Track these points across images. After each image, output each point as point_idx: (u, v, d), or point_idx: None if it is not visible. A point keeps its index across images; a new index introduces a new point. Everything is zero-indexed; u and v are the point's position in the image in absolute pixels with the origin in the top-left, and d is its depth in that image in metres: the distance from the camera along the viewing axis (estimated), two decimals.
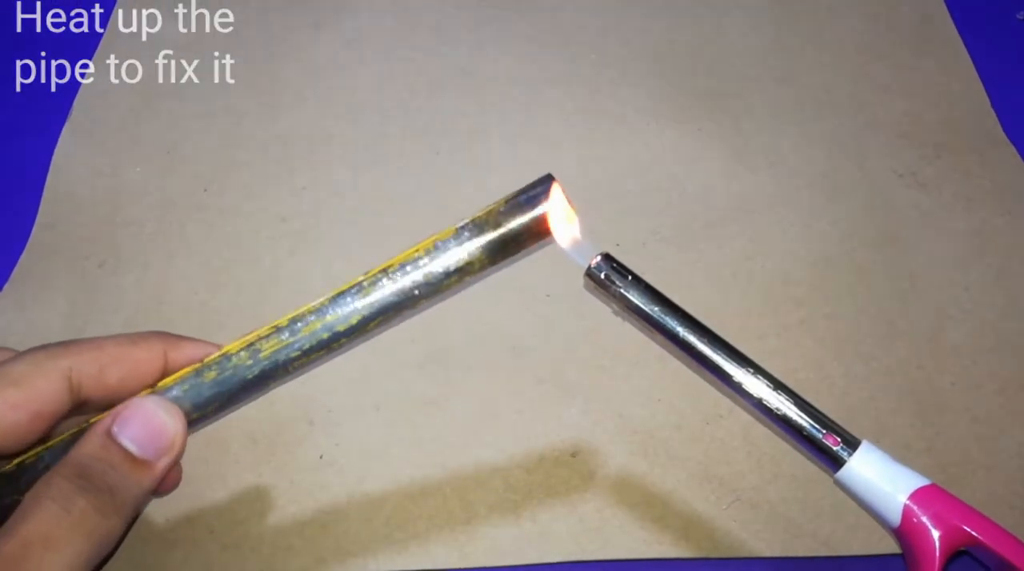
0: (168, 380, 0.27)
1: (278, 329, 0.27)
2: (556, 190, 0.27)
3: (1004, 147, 0.45)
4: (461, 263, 0.27)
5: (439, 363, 0.38)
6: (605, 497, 0.34)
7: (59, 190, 0.44)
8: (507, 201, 0.27)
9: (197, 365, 0.27)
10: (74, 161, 0.46)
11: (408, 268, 0.27)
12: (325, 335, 0.27)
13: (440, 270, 0.27)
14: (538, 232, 0.27)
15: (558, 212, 0.27)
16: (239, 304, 0.40)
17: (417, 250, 0.27)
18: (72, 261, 0.42)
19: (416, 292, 0.27)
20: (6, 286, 0.41)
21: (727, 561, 0.33)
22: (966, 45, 0.50)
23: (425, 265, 0.27)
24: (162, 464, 0.26)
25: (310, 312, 0.27)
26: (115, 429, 0.25)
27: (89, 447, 0.25)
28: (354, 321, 0.27)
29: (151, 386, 0.27)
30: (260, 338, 0.27)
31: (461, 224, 0.27)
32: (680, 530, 0.33)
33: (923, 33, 0.50)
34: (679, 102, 0.47)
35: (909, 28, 0.51)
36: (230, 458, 0.35)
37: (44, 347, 0.26)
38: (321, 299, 0.27)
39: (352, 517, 0.34)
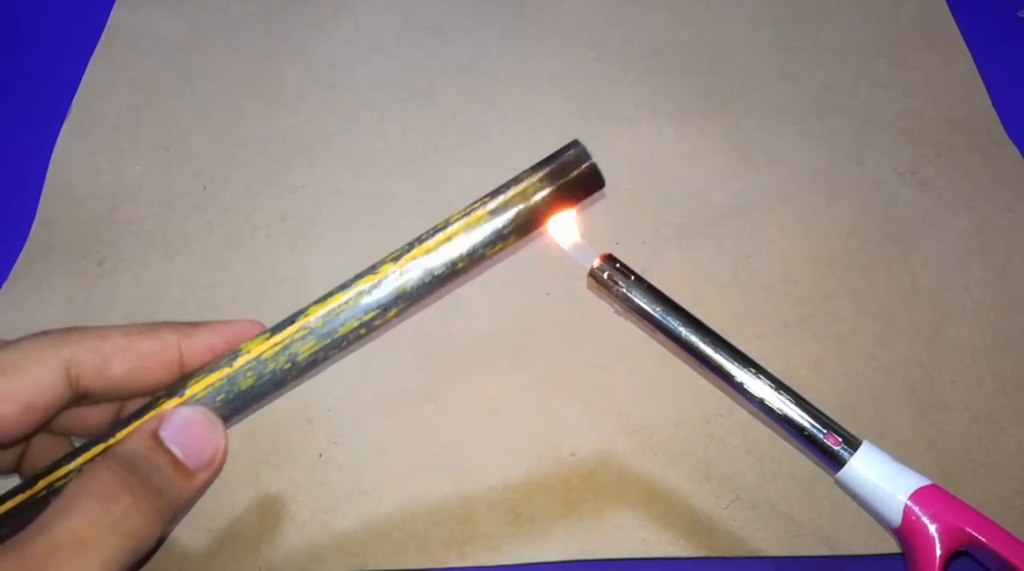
0: (200, 386, 0.26)
1: (311, 330, 0.26)
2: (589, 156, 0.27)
3: (1005, 146, 0.45)
4: (493, 237, 0.27)
5: (438, 362, 0.38)
6: (605, 497, 0.34)
7: (58, 188, 0.44)
8: (541, 169, 0.27)
9: (229, 371, 0.26)
10: (73, 159, 0.46)
11: (444, 245, 0.27)
12: (355, 324, 0.26)
13: (480, 241, 0.27)
14: (571, 200, 0.27)
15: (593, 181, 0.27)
16: (238, 303, 0.40)
17: (448, 228, 0.27)
18: (71, 259, 0.42)
19: (451, 268, 0.27)
20: (5, 284, 0.41)
21: (727, 560, 0.33)
22: (967, 43, 0.50)
23: (460, 242, 0.27)
24: (203, 476, 0.25)
25: (341, 307, 0.26)
26: (162, 432, 0.25)
27: (135, 445, 0.24)
28: (381, 310, 0.26)
29: (173, 388, 0.26)
30: (293, 340, 0.26)
31: (491, 199, 0.27)
32: (680, 529, 0.33)
33: (924, 31, 0.50)
34: (679, 100, 0.47)
35: (910, 26, 0.51)
36: (229, 457, 0.35)
37: (46, 333, 0.25)
38: (350, 292, 0.26)
39: (352, 516, 0.34)
